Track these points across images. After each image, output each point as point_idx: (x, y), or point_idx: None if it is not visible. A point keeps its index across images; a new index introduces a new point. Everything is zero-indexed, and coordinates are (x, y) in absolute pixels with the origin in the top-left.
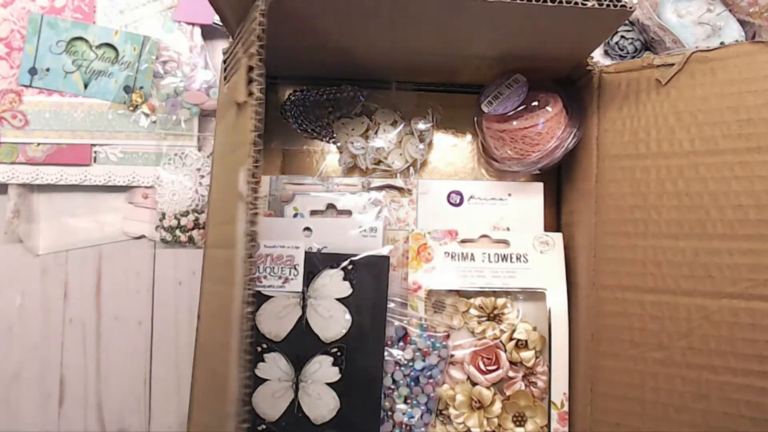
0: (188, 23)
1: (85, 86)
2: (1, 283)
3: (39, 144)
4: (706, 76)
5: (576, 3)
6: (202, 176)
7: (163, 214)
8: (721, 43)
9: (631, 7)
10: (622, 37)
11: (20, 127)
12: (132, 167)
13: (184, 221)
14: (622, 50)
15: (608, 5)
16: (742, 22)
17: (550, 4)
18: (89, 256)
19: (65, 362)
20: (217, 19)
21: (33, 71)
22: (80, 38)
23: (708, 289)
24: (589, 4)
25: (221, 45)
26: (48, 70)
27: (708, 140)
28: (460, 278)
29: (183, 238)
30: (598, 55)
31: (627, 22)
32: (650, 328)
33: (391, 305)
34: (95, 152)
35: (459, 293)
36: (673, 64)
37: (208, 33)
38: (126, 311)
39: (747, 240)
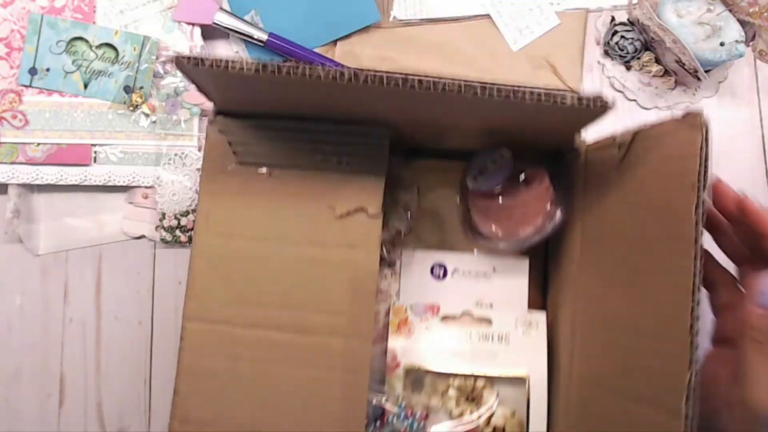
0: (188, 23)
1: (85, 86)
2: (1, 283)
3: (39, 144)
4: (645, 155)
5: (555, 102)
6: None
7: (163, 214)
8: (721, 43)
9: (611, 105)
10: (622, 37)
11: (20, 127)
12: (132, 167)
13: (184, 221)
14: (622, 50)
15: (588, 105)
16: (742, 22)
17: (528, 102)
18: (89, 256)
19: (65, 362)
20: (217, 19)
21: (33, 71)
22: (80, 38)
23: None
24: (569, 102)
25: (221, 45)
26: (48, 70)
27: (642, 229)
28: (439, 357)
29: (183, 238)
30: (597, 55)
31: (627, 21)
32: None
33: None
34: (95, 152)
35: (438, 373)
36: (624, 143)
37: (208, 33)
38: (126, 311)
39: None
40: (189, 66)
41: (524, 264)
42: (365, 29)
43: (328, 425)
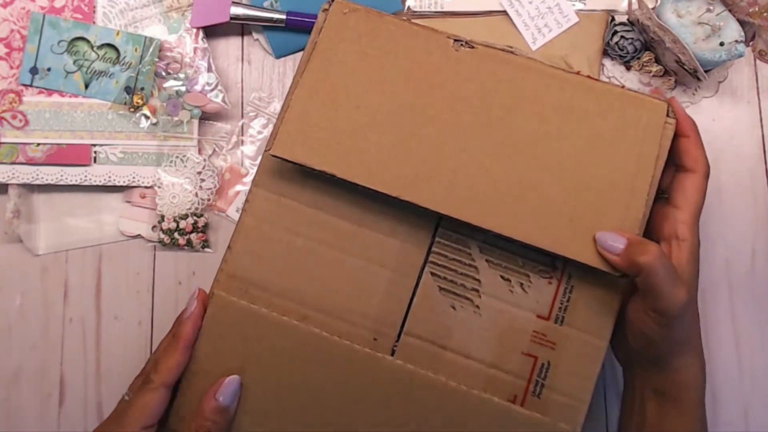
0: (207, 26)
1: (86, 86)
2: (1, 283)
3: (39, 144)
4: None
5: None
6: (203, 180)
7: (162, 217)
8: (721, 43)
9: None
10: (622, 37)
11: (20, 127)
12: (132, 167)
13: (183, 224)
14: (621, 50)
15: None
16: (741, 22)
17: None
18: (89, 256)
19: (65, 362)
20: (233, 13)
21: (34, 71)
22: (82, 38)
23: None
24: None
25: (222, 45)
26: (49, 69)
27: None
28: None
29: (181, 241)
30: None
31: (627, 22)
32: None
33: None
34: (95, 152)
35: None
36: None
37: (211, 33)
38: (126, 311)
39: None
40: None
41: None
42: None
43: (366, 313)
